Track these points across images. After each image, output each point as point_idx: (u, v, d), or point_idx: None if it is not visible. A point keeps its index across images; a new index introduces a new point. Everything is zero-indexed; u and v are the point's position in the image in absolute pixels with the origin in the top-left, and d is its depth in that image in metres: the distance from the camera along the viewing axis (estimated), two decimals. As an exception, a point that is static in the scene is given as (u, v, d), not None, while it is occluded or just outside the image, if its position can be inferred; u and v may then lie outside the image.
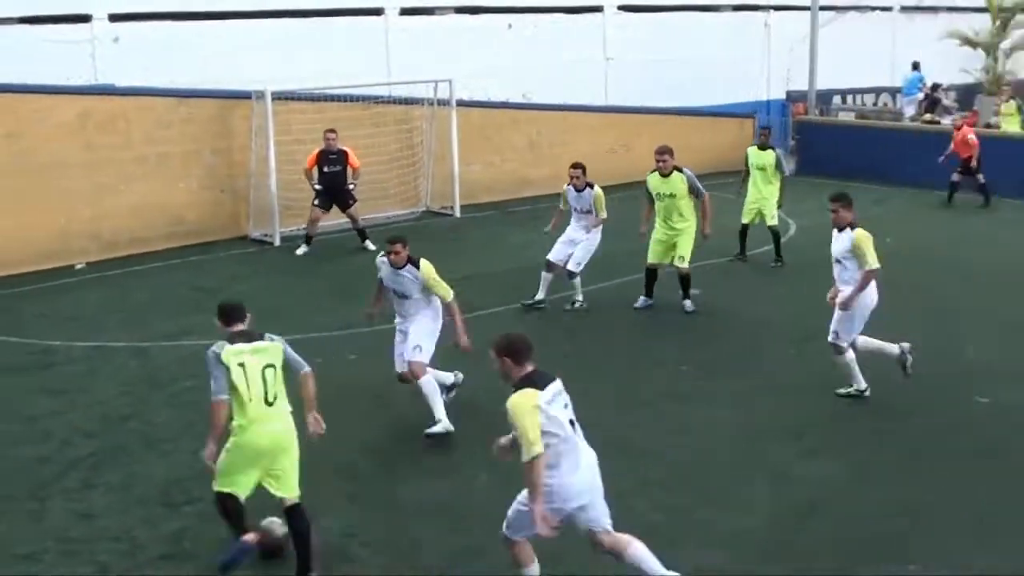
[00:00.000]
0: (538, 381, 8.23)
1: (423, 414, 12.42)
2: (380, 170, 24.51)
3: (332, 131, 21.78)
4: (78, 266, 20.69)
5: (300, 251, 21.84)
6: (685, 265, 16.86)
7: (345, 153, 21.84)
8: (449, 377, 12.86)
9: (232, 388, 9.06)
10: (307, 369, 9.60)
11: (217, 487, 9.21)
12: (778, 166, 20.38)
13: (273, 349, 9.39)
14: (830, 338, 12.90)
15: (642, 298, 17.23)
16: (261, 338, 9.45)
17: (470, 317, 16.31)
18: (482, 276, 19.16)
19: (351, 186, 22.02)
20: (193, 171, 23.00)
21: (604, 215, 17.26)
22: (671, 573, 8.45)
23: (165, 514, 10.35)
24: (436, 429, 11.92)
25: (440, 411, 12.02)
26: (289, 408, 9.32)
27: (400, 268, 12.22)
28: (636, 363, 14.55)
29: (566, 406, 8.38)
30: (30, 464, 11.66)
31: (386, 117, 24.99)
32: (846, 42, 33.08)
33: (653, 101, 29.95)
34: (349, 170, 22.00)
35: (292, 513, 9.13)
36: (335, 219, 22.48)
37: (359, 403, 13.16)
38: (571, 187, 17.45)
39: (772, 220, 20.29)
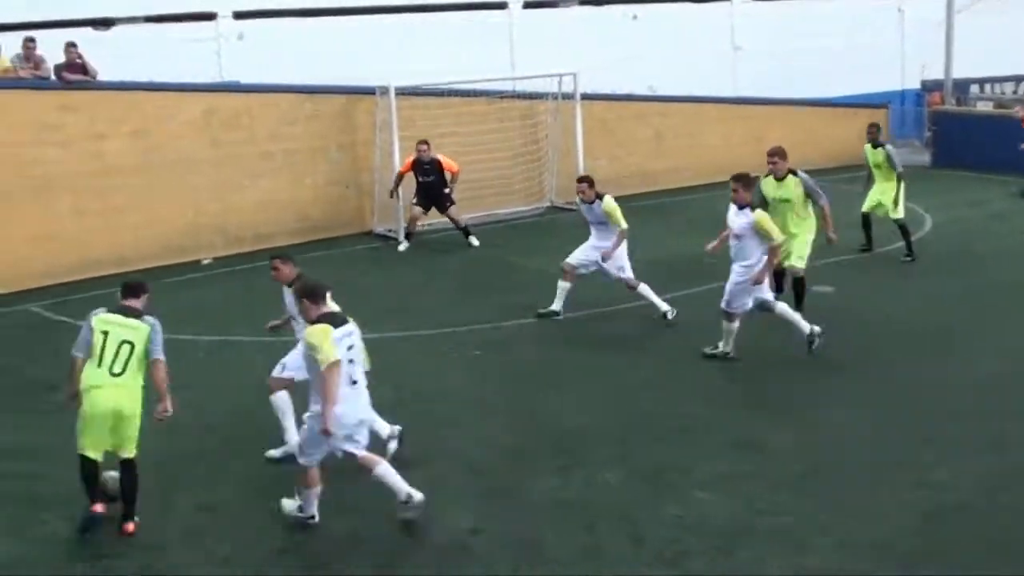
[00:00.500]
0: (333, 320, 9.91)
1: (553, 411, 12.48)
2: (505, 166, 24.52)
3: (424, 142, 21.66)
4: (205, 261, 21.00)
5: (401, 247, 21.95)
6: (801, 265, 15.76)
7: (438, 162, 21.82)
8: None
9: (90, 351, 10.10)
10: (159, 358, 10.37)
11: (77, 449, 10.12)
12: (889, 163, 19.86)
13: (140, 330, 10.33)
14: (723, 305, 14.24)
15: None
16: (138, 318, 10.42)
17: (595, 313, 16.38)
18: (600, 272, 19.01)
19: (448, 190, 22.01)
20: (318, 167, 23.21)
21: (623, 225, 16.17)
22: (415, 492, 9.84)
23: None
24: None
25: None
26: (140, 383, 10.25)
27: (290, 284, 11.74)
28: (764, 361, 14.28)
29: (350, 348, 9.91)
30: (158, 457, 11.79)
31: (510, 112, 24.98)
32: (984, 28, 32.16)
33: (783, 92, 29.52)
34: (447, 175, 21.97)
35: (125, 465, 10.18)
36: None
37: (487, 399, 13.13)
38: (581, 201, 16.56)
39: (896, 213, 19.75)
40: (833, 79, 30.36)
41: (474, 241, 21.80)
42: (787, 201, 15.95)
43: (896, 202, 19.70)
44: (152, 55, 21.91)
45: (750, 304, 14.20)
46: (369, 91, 23.36)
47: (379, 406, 12.92)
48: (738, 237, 14.25)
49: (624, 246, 16.26)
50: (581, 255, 16.53)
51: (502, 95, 24.90)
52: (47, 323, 17.72)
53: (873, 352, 14.53)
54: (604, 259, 16.16)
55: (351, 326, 10.14)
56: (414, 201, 22.01)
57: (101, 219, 20.64)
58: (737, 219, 14.33)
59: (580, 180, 16.77)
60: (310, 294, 10.24)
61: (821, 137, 29.69)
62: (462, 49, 25.06)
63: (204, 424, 12.75)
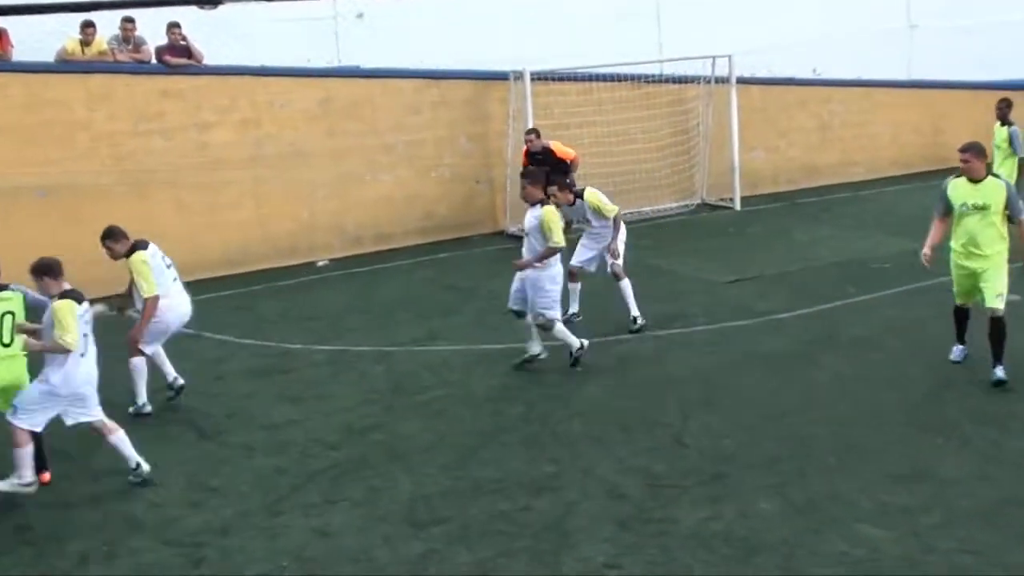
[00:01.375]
0: (76, 297, 11.69)
1: (701, 432, 12.44)
2: (651, 158, 24.47)
3: (531, 131, 21.61)
4: (320, 263, 21.28)
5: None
6: (1000, 306, 13.44)
7: (550, 151, 21.81)
8: None
9: None
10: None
11: None
12: (1011, 144, 19.53)
13: (15, 299, 11.98)
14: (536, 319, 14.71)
15: (957, 348, 14.36)
16: (4, 288, 11.99)
17: (749, 324, 16.27)
18: (765, 277, 18.92)
19: (568, 183, 21.92)
20: (445, 160, 23.36)
21: (612, 211, 16.36)
22: (144, 463, 11.86)
23: (409, 534, 10.43)
24: None
25: None
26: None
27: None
28: (939, 379, 14.01)
29: (87, 323, 11.76)
30: (267, 476, 11.99)
31: (658, 98, 24.91)
32: None
33: (965, 74, 28.92)
34: (566, 164, 21.93)
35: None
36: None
37: (627, 417, 13.09)
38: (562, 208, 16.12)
39: None
40: (1020, 60, 29.66)
41: None
42: (983, 209, 13.50)
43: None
44: (263, 37, 22.23)
45: None
46: (502, 76, 23.48)
47: (508, 420, 13.07)
48: (527, 235, 14.92)
49: (623, 231, 16.63)
50: (582, 254, 16.83)
51: (649, 79, 24.84)
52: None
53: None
54: (609, 251, 16.46)
55: (87, 304, 11.89)
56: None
57: (206, 216, 21.03)
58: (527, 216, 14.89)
59: (551, 184, 16.23)
60: (48, 271, 11.76)
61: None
62: (604, 29, 25.04)
63: (319, 440, 12.91)
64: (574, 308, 16.95)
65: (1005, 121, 20.09)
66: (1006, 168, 19.66)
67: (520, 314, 15.07)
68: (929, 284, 17.72)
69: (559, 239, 14.50)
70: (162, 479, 12.06)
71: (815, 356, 14.95)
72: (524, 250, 14.98)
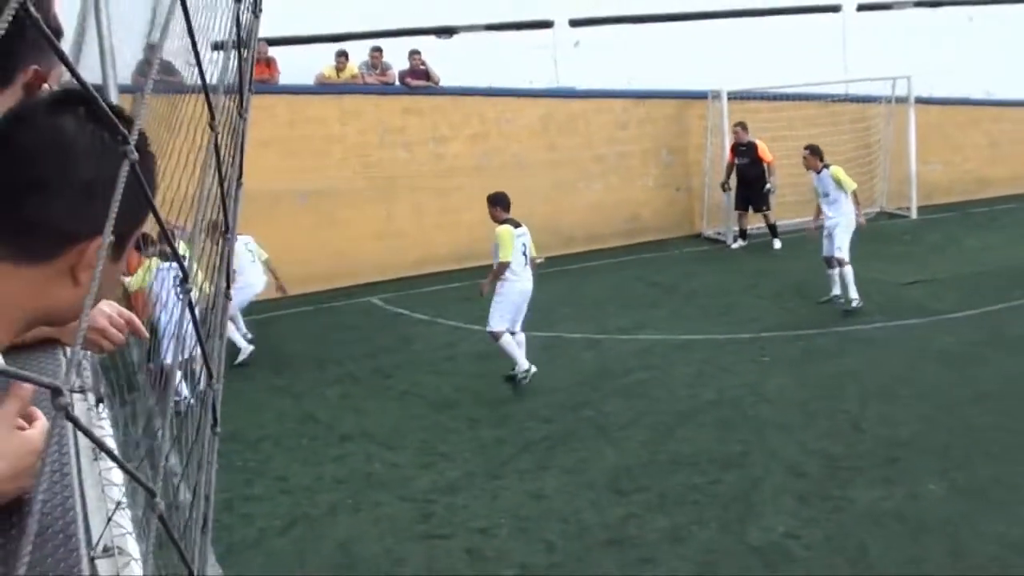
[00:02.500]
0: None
1: (878, 421, 12.24)
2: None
3: (739, 124, 21.75)
4: (539, 260, 21.40)
5: (735, 246, 21.97)
6: None
7: (755, 146, 21.68)
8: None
9: None
10: None
11: None
12: None
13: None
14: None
15: None
16: None
17: (924, 322, 15.94)
18: (937, 280, 18.48)
19: (768, 187, 21.80)
20: (650, 170, 23.38)
21: (852, 185, 16.92)
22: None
23: (613, 500, 10.49)
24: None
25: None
26: None
27: None
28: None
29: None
30: (489, 444, 12.16)
31: (842, 116, 24.51)
32: None
33: None
34: (765, 166, 21.83)
35: None
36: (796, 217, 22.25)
37: (809, 404, 12.94)
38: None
39: None
40: None
41: (777, 244, 21.62)
42: None
43: None
44: (491, 62, 22.50)
45: None
46: (701, 95, 23.38)
47: (702, 403, 13.02)
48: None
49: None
50: (828, 246, 17.00)
51: (834, 98, 24.47)
52: (387, 315, 18.48)
53: None
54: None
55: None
56: (733, 198, 22.08)
57: (440, 217, 21.39)
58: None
59: (812, 153, 17.11)
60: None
61: None
62: (794, 52, 24.72)
63: (535, 415, 13.03)
64: (836, 291, 17.03)
65: None
66: None
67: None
68: None
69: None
70: (399, 443, 12.34)
71: (983, 353, 14.55)
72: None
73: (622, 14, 24.18)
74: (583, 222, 22.25)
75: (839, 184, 16.90)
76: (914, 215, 24.54)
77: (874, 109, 25.17)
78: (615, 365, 14.90)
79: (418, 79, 21.45)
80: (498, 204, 14.76)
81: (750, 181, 21.99)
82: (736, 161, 22.07)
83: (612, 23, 24.22)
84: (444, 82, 21.82)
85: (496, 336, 14.38)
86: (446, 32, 23.16)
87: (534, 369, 14.31)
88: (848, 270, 16.79)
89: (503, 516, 10.28)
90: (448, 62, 22.11)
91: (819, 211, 17.39)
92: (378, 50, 21.64)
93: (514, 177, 21.78)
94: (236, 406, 13.42)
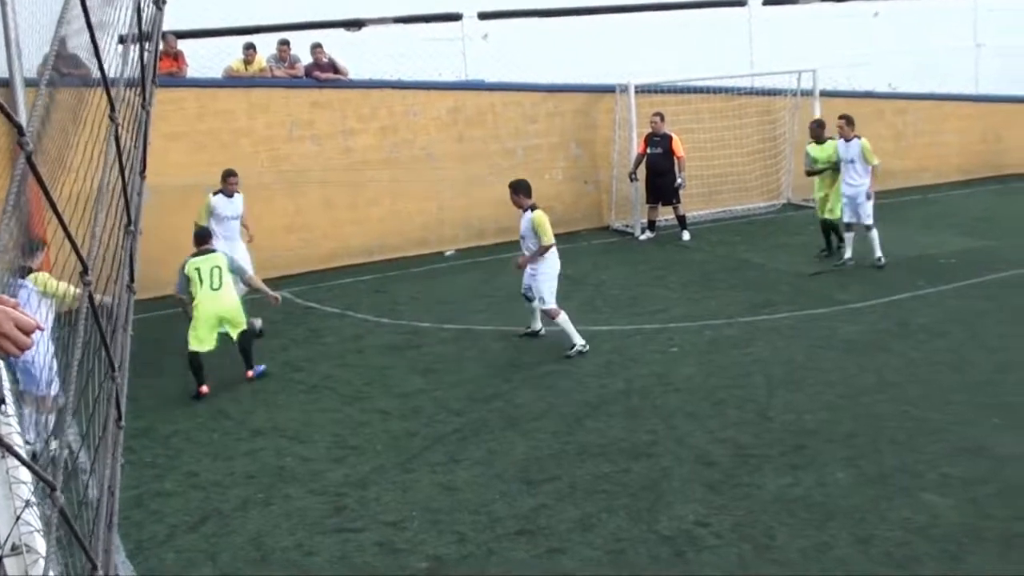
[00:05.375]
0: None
1: (784, 409, 12.38)
2: (742, 162, 24.34)
3: (658, 114, 21.94)
4: (448, 253, 21.43)
5: (643, 237, 22.10)
6: None
7: (669, 138, 21.83)
8: None
9: (191, 284, 14.36)
10: (249, 273, 15.27)
11: (189, 348, 14.14)
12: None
13: (222, 258, 14.63)
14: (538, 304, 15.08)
15: None
16: (213, 251, 14.73)
17: (830, 311, 16.17)
18: (843, 270, 18.74)
19: (678, 182, 21.96)
20: (558, 163, 23.44)
21: (877, 162, 18.09)
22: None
23: (523, 491, 10.53)
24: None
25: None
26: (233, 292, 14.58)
27: None
28: (998, 364, 13.80)
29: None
30: (400, 437, 12.15)
31: (748, 109, 24.76)
32: None
33: (1025, 88, 28.46)
34: (676, 161, 21.98)
35: (241, 336, 14.51)
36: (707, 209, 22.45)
37: (717, 393, 13.08)
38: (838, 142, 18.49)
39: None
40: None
41: (686, 236, 21.82)
42: None
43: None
44: (400, 54, 22.44)
45: None
46: (609, 89, 23.49)
47: (611, 394, 13.10)
48: (523, 238, 15.59)
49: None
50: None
51: (740, 92, 24.70)
52: (298, 308, 18.37)
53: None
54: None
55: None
56: (645, 195, 22.16)
57: (350, 211, 21.31)
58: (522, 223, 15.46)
59: (848, 123, 18.79)
60: (520, 190, 13.94)
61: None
62: (701, 47, 24.96)
63: (445, 407, 13.04)
64: (848, 254, 18.76)
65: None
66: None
67: (528, 299, 15.35)
68: (988, 279, 17.56)
69: (549, 238, 14.87)
70: (310, 437, 12.29)
71: (888, 342, 14.80)
72: (523, 250, 15.26)
73: (531, 7, 24.22)
74: (493, 215, 22.22)
75: (865, 155, 18.54)
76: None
77: (780, 102, 25.44)
78: (525, 357, 14.94)
79: (324, 72, 21.31)
80: (521, 191, 15.02)
81: (661, 173, 22.09)
82: (648, 151, 22.13)
83: (521, 16, 24.25)
84: (353, 75, 21.72)
85: (553, 314, 14.80)
86: (355, 25, 23.05)
87: (587, 347, 14.77)
88: (874, 233, 18.59)
89: (415, 508, 10.28)
90: (357, 55, 22.01)
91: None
92: (286, 43, 21.50)
93: (423, 170, 21.80)
94: (147, 402, 13.28)
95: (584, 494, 10.37)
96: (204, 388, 14.13)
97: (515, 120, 22.94)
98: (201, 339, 14.21)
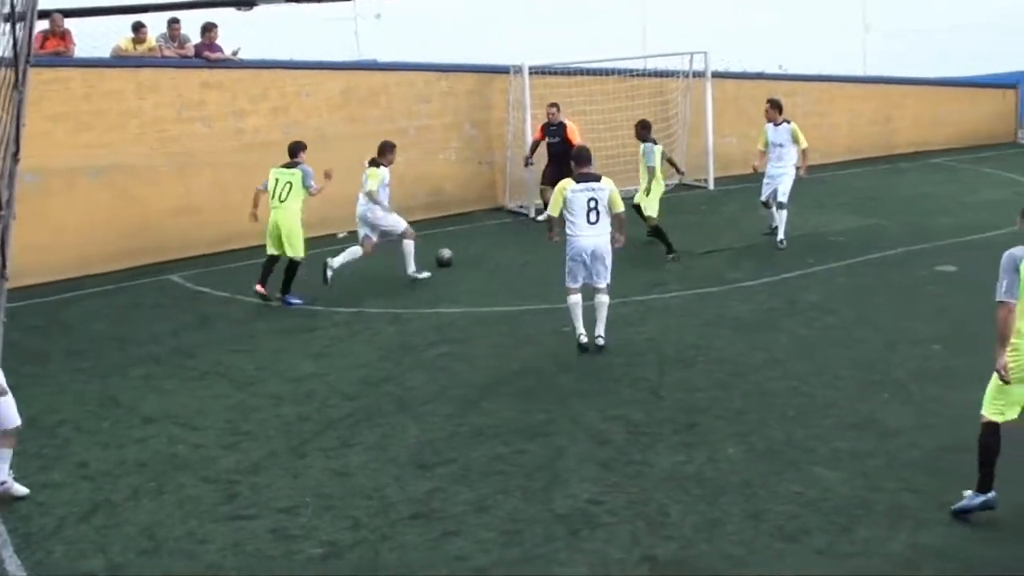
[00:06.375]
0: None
1: (677, 387, 12.54)
2: (635, 143, 24.36)
3: (554, 105, 21.86)
4: (340, 235, 21.24)
5: (540, 218, 21.95)
6: None
7: (565, 127, 21.82)
8: None
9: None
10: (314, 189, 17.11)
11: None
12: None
13: (293, 175, 16.88)
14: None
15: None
16: (289, 167, 16.98)
17: (720, 290, 16.34)
18: (734, 249, 18.95)
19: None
20: (452, 144, 23.38)
21: (805, 144, 19.03)
22: None
23: (417, 474, 10.50)
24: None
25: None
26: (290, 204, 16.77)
27: None
28: (886, 340, 14.06)
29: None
30: (292, 422, 12.04)
31: (641, 90, 24.85)
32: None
33: (913, 71, 28.94)
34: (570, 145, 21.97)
35: (290, 261, 16.84)
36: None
37: (611, 372, 13.15)
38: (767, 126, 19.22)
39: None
40: (963, 58, 29.69)
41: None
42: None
43: None
44: (292, 34, 22.23)
45: None
46: (503, 69, 23.46)
47: (504, 375, 13.12)
48: None
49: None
50: (765, 190, 19.38)
51: (633, 73, 24.80)
52: (188, 293, 18.14)
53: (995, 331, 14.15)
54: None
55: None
56: (544, 176, 22.01)
57: (241, 193, 20.99)
58: None
59: (772, 107, 19.56)
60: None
61: (948, 117, 29.20)
62: (595, 28, 25.03)
63: (338, 391, 12.96)
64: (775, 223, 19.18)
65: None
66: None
67: None
68: (876, 257, 17.89)
69: (551, 210, 14.18)
70: (202, 424, 12.14)
71: (778, 320, 15.00)
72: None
73: (424, -14, 24.17)
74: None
75: (795, 138, 19.10)
76: (711, 186, 25.08)
77: (672, 83, 25.59)
78: (417, 339, 14.89)
79: (214, 52, 21.02)
80: (571, 160, 14.50)
81: (559, 159, 21.96)
82: (547, 139, 22.05)
83: (415, -5, 24.19)
84: (243, 55, 21.44)
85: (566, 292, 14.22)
86: (246, 4, 22.79)
87: (584, 341, 14.05)
88: (784, 213, 18.98)
89: (308, 494, 10.20)
90: (248, 34, 21.75)
91: (762, 157, 19.62)
92: (176, 22, 21.14)
93: (315, 151, 21.35)
94: (32, 391, 12.96)
95: (479, 476, 10.37)
96: (259, 287, 16.98)
97: (408, 100, 22.81)
98: (269, 244, 17.01)
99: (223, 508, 10.02)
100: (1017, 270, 8.87)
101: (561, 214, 13.89)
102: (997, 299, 8.88)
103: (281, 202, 16.80)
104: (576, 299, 14.10)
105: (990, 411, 9.09)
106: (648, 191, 19.13)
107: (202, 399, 12.97)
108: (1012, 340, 8.88)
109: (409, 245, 18.00)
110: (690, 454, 10.69)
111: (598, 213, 13.76)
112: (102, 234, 19.68)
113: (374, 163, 17.88)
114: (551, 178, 21.90)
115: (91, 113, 19.67)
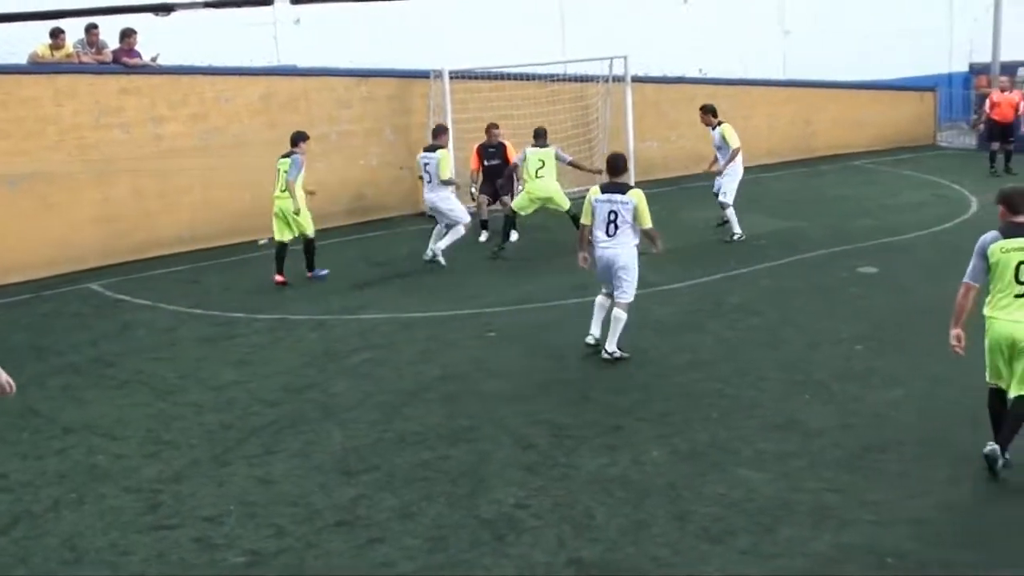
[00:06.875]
0: None
1: (602, 390, 12.58)
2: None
3: (495, 125, 21.62)
4: (261, 242, 21.11)
5: (481, 238, 21.59)
6: None
7: (504, 147, 21.69)
8: None
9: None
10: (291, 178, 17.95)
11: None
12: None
13: (284, 163, 18.06)
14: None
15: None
16: (286, 157, 18.13)
17: (643, 293, 16.40)
18: (655, 253, 19.01)
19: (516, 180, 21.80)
20: (372, 149, 23.32)
21: (737, 145, 19.32)
22: None
23: (342, 481, 10.44)
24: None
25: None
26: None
27: None
28: (808, 341, 14.21)
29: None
30: (215, 431, 11.92)
31: (562, 95, 24.95)
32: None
33: (832, 74, 29.34)
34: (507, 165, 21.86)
35: (305, 240, 18.21)
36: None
37: (537, 376, 13.17)
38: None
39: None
40: (882, 62, 30.20)
41: (514, 236, 21.36)
42: None
43: None
44: (211, 40, 22.05)
45: None
46: (423, 74, 23.44)
47: (429, 380, 13.09)
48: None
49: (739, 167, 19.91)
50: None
51: (554, 78, 24.87)
52: (108, 301, 17.93)
53: (917, 332, 14.39)
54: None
55: None
56: (479, 191, 21.70)
57: (161, 200, 20.86)
58: None
59: (705, 113, 20.57)
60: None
61: (868, 120, 29.59)
62: (515, 33, 25.07)
63: (260, 399, 12.85)
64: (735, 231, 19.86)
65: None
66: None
67: None
68: (799, 258, 18.08)
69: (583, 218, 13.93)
70: (123, 433, 11.99)
71: (702, 322, 15.10)
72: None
73: (344, -8, 24.06)
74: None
75: (724, 139, 19.96)
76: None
77: (593, 88, 25.71)
78: (341, 346, 14.82)
79: (133, 58, 20.79)
80: (606, 167, 14.32)
81: (495, 176, 21.69)
82: (485, 163, 21.61)
83: (334, 1, 24.03)
84: (162, 61, 21.25)
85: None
86: (164, 10, 22.56)
87: (591, 340, 13.87)
88: (729, 211, 19.83)
89: (231, 503, 10.10)
90: (167, 40, 21.52)
91: (715, 159, 20.47)
92: (95, 28, 20.90)
93: (235, 156, 21.45)
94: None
95: (403, 482, 10.33)
96: (278, 278, 18.06)
97: (328, 106, 22.72)
98: (277, 232, 18.25)
99: (146, 518, 9.90)
100: (984, 256, 9.73)
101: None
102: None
103: (282, 191, 18.08)
104: (599, 300, 14.02)
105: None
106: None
107: (123, 408, 12.82)
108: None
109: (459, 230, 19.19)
110: (615, 457, 10.73)
111: (616, 226, 13.57)
112: (21, 243, 19.40)
113: (432, 148, 19.10)
114: (489, 193, 21.76)
115: (8, 120, 19.38)
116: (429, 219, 20.65)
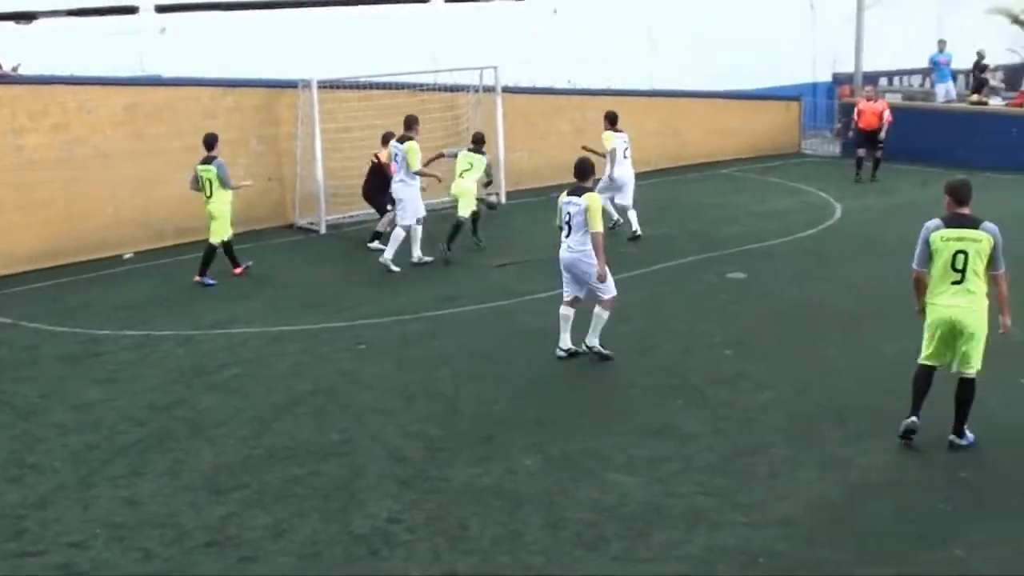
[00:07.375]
0: None
1: (473, 400, 12.64)
2: (426, 157, 24.42)
3: (392, 135, 21.41)
4: (126, 256, 20.75)
5: (372, 245, 21.20)
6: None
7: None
8: None
9: None
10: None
11: None
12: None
13: (209, 170, 18.26)
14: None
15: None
16: (206, 163, 18.17)
17: (513, 303, 16.47)
18: (525, 263, 19.10)
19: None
20: (240, 160, 22.94)
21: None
22: None
23: (212, 500, 10.30)
24: None
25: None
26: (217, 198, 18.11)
27: None
28: (680, 346, 14.38)
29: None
30: (80, 452, 11.66)
31: (431, 105, 24.87)
32: (892, 22, 32.71)
33: (698, 84, 29.78)
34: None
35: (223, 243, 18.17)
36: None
37: (407, 388, 13.13)
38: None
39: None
40: (747, 72, 30.73)
41: (375, 246, 21.16)
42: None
43: None
44: (73, 49, 21.64)
45: None
46: (291, 84, 23.23)
47: (299, 395, 12.97)
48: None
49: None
50: None
51: (423, 88, 24.83)
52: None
53: (785, 336, 14.67)
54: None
55: None
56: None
57: (20, 214, 20.32)
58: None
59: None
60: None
61: (735, 129, 30.07)
62: (384, 42, 25.01)
63: (127, 417, 12.61)
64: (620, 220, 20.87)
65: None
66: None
67: None
68: (668, 265, 18.28)
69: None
70: (-19, 458, 11.69)
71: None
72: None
73: (211, 1, 23.76)
74: (173, 214, 21.58)
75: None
76: (503, 199, 25.24)
77: (463, 98, 25.71)
78: (208, 361, 14.60)
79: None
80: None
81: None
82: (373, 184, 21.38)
83: (200, 10, 23.79)
84: (23, 70, 20.78)
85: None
86: (25, 18, 22.10)
87: (560, 353, 13.93)
88: (629, 213, 20.87)
89: (98, 526, 9.89)
90: (28, 49, 21.08)
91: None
92: (-46, 36, 20.43)
93: (99, 168, 21.02)
94: None
95: (274, 499, 10.23)
96: (236, 270, 18.97)
97: (194, 116, 22.35)
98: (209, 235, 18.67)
99: (9, 545, 9.64)
100: (927, 241, 10.50)
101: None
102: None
103: (208, 197, 18.48)
104: (563, 311, 14.05)
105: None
106: None
107: (-15, 431, 12.49)
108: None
109: (400, 233, 19.17)
110: (488, 466, 10.75)
111: (570, 228, 13.68)
112: None
113: (402, 140, 19.41)
114: (365, 192, 21.62)
115: None
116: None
